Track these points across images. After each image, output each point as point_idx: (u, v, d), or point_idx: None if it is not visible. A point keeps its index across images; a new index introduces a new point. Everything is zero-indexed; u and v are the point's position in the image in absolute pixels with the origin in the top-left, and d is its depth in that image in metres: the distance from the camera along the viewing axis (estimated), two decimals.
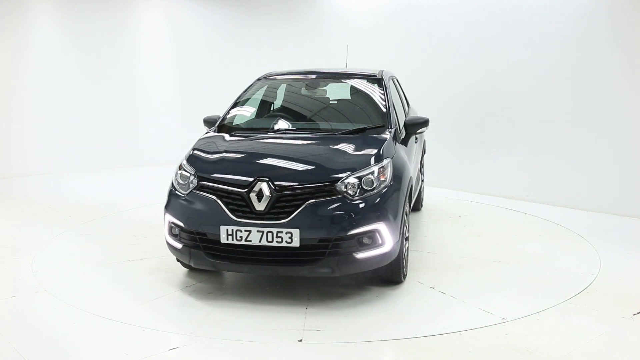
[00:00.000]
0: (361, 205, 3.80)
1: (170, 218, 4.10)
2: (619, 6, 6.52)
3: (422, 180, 6.75)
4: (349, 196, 3.82)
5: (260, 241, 3.74)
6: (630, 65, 6.43)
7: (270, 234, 3.72)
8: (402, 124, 4.98)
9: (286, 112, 5.42)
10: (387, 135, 4.45)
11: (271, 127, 4.89)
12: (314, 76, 5.53)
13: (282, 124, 4.95)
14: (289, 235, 3.70)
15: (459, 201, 7.28)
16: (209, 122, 5.12)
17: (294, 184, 3.83)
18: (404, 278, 4.37)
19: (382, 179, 3.98)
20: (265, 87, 5.49)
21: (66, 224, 6.18)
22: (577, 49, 6.86)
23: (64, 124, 9.52)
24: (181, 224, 3.99)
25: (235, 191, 3.86)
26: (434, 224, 6.18)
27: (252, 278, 4.47)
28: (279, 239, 3.71)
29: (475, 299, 4.06)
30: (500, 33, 7.54)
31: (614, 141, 6.62)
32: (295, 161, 4.13)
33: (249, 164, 4.19)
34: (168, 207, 4.15)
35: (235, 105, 5.25)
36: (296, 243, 3.70)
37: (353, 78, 5.43)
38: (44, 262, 4.91)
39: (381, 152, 4.16)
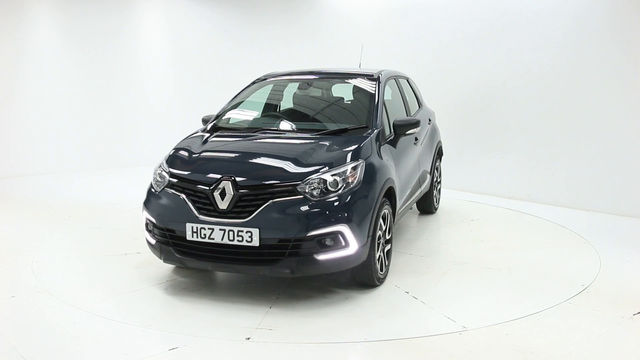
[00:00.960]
0: (323, 207, 3.77)
1: (146, 214, 4.23)
2: (619, 6, 6.52)
3: (439, 183, 6.69)
4: (310, 197, 3.80)
5: (222, 239, 3.79)
6: (631, 65, 6.43)
7: (231, 233, 3.77)
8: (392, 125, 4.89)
9: (274, 112, 5.43)
10: (367, 136, 4.38)
11: (253, 127, 4.95)
12: (310, 77, 5.53)
13: (266, 124, 4.98)
14: (249, 234, 3.74)
15: (476, 204, 7.09)
16: (206, 121, 5.18)
17: (256, 183, 3.86)
18: (380, 282, 4.27)
19: (350, 180, 3.93)
20: (260, 87, 5.53)
21: (66, 224, 6.18)
22: (577, 48, 6.86)
23: (64, 124, 9.52)
24: (154, 220, 4.11)
25: (200, 189, 3.94)
26: (441, 227, 6.15)
27: (237, 275, 4.47)
28: (240, 238, 3.75)
29: (444, 306, 3.95)
30: (501, 33, 7.54)
31: (614, 141, 6.61)
32: (263, 161, 4.16)
33: (218, 162, 4.23)
34: (145, 204, 4.27)
35: (229, 105, 5.29)
36: (256, 242, 3.73)
37: (349, 78, 5.36)
38: (44, 262, 4.91)
39: (353, 154, 4.10)
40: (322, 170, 3.91)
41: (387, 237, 4.41)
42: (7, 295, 4.15)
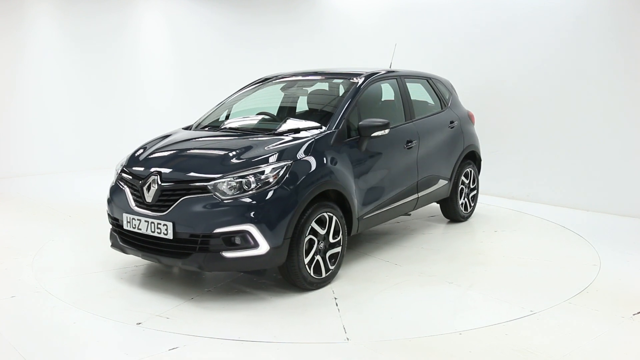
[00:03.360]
0: (231, 206, 3.83)
1: (107, 205, 4.54)
2: (618, 6, 6.52)
3: (472, 190, 6.31)
4: (221, 195, 3.87)
5: (147, 230, 4.02)
6: (631, 65, 6.43)
7: (153, 225, 3.98)
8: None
9: (244, 113, 5.41)
10: (309, 138, 4.33)
11: (216, 125, 5.09)
12: (300, 77, 5.54)
13: (228, 124, 5.09)
14: (165, 227, 3.92)
15: (510, 212, 6.75)
16: None
17: (175, 179, 4.03)
18: (314, 286, 4.19)
19: (270, 180, 3.93)
20: (250, 88, 5.62)
21: (66, 224, 6.18)
22: (577, 48, 6.86)
23: (64, 124, 9.53)
24: (107, 208, 4.50)
25: (135, 182, 4.23)
26: (440, 226, 6.17)
27: (243, 277, 4.47)
28: (159, 230, 3.96)
29: (443, 306, 3.95)
30: (500, 33, 7.54)
31: (614, 141, 6.61)
32: (190, 158, 4.35)
33: (157, 158, 4.38)
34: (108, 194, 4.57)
35: (217, 105, 5.43)
36: (170, 235, 3.90)
37: (336, 79, 5.30)
38: (44, 262, 4.91)
39: (280, 154, 4.08)
40: (240, 169, 3.96)
41: (333, 241, 4.30)
42: (7, 295, 4.15)
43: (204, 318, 3.76)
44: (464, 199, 6.20)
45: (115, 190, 4.42)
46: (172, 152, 4.47)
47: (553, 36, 7.05)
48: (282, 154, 4.09)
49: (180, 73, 10.70)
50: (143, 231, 4.04)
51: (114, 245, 4.39)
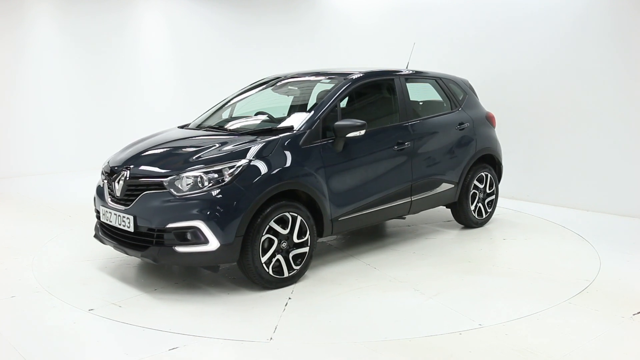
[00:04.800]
0: (183, 202, 3.97)
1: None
2: (618, 6, 6.52)
3: (489, 195, 6.03)
4: (174, 192, 4.01)
5: (115, 222, 4.26)
6: (631, 65, 6.43)
7: (119, 218, 4.21)
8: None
9: (238, 113, 5.44)
10: (274, 138, 4.36)
11: (201, 125, 5.20)
12: (299, 78, 5.55)
13: (210, 123, 5.23)
14: (128, 220, 4.14)
15: (511, 212, 6.63)
16: None
17: (139, 175, 4.23)
18: (275, 285, 4.23)
19: (226, 179, 4.01)
20: (249, 88, 5.65)
21: (66, 224, 6.18)
22: (576, 48, 6.86)
23: (64, 124, 9.53)
24: (93, 201, 4.74)
25: (109, 177, 4.45)
26: (440, 226, 6.17)
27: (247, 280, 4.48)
28: (123, 223, 4.18)
29: (443, 306, 3.95)
30: (500, 33, 7.54)
31: (614, 141, 6.62)
32: (160, 156, 4.51)
33: (132, 154, 4.57)
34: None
35: (217, 105, 5.52)
36: (131, 228, 4.11)
37: (326, 80, 5.22)
38: (44, 261, 4.91)
39: (238, 153, 4.16)
40: (197, 167, 4.08)
41: (298, 241, 4.32)
42: (7, 295, 4.15)
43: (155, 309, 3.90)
44: (477, 205, 5.94)
45: (99, 185, 4.69)
46: (147, 149, 4.61)
47: (552, 36, 7.05)
48: (239, 154, 4.17)
49: (180, 73, 10.70)
50: (113, 223, 4.28)
51: (96, 236, 4.62)
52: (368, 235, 5.73)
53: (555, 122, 7.13)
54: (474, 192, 5.89)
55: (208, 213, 3.93)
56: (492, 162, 6.15)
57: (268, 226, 4.12)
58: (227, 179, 4.02)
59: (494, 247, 5.38)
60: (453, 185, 5.67)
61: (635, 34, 6.38)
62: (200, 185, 4.00)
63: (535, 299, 4.08)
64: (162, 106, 10.46)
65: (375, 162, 4.91)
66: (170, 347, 3.35)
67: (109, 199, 4.37)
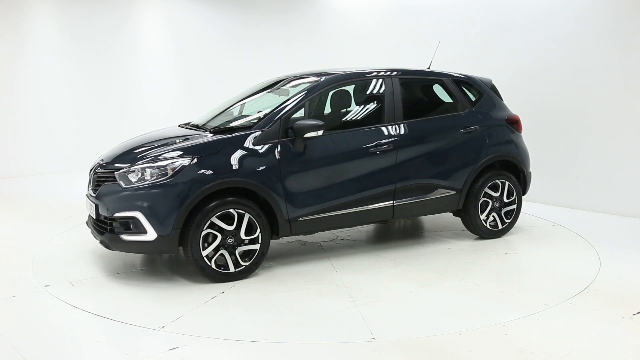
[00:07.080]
0: (128, 193, 4.30)
1: None
2: (618, 6, 6.52)
3: (509, 204, 5.58)
4: (122, 183, 4.34)
5: (88, 210, 4.72)
6: (631, 65, 6.43)
7: (90, 206, 4.61)
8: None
9: (240, 111, 5.47)
10: (225, 136, 4.50)
11: (194, 123, 5.33)
12: (300, 78, 5.44)
13: (195, 121, 5.40)
14: (92, 208, 4.57)
15: (531, 218, 6.39)
16: None
17: (104, 167, 4.59)
18: (218, 279, 4.35)
19: (168, 173, 4.26)
20: (249, 89, 5.67)
21: (66, 224, 6.19)
22: (576, 49, 6.86)
23: (63, 124, 9.53)
24: None
25: (91, 170, 4.82)
26: (439, 225, 6.16)
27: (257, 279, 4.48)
28: (91, 211, 4.60)
29: (442, 306, 3.94)
30: (499, 34, 7.54)
31: (615, 141, 6.61)
32: (128, 150, 4.70)
33: (112, 149, 4.93)
34: None
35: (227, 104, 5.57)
36: (94, 215, 4.53)
37: (306, 80, 5.16)
38: (44, 262, 4.91)
39: (186, 150, 4.39)
40: (145, 161, 4.36)
41: (249, 238, 4.40)
42: (7, 295, 4.15)
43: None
44: (489, 215, 5.50)
45: None
46: (130, 146, 4.83)
47: (552, 36, 7.04)
48: (186, 151, 4.39)
49: (181, 73, 10.70)
50: (88, 211, 4.76)
51: (87, 222, 4.95)
52: (368, 237, 5.73)
53: (555, 122, 7.12)
54: (485, 201, 5.45)
55: (146, 205, 4.22)
56: (513, 170, 5.67)
57: (209, 221, 4.28)
58: (169, 173, 4.25)
59: (493, 247, 5.36)
60: (454, 192, 5.29)
61: (635, 33, 6.38)
62: (145, 178, 4.28)
63: (536, 298, 4.08)
64: (162, 106, 10.46)
65: (343, 163, 4.78)
66: (170, 347, 3.35)
67: (91, 189, 4.73)
